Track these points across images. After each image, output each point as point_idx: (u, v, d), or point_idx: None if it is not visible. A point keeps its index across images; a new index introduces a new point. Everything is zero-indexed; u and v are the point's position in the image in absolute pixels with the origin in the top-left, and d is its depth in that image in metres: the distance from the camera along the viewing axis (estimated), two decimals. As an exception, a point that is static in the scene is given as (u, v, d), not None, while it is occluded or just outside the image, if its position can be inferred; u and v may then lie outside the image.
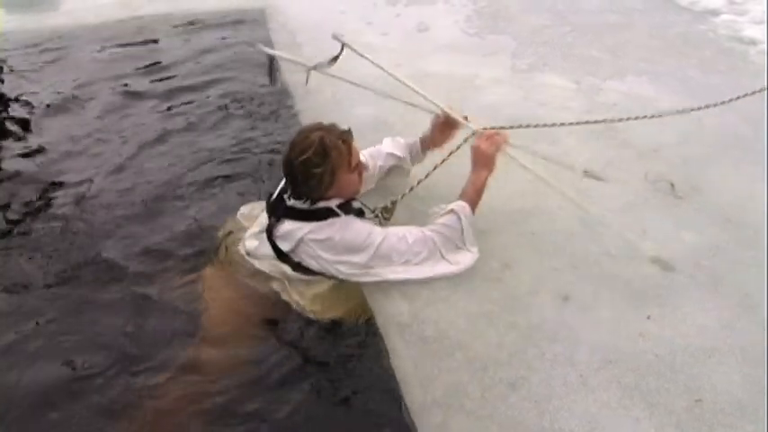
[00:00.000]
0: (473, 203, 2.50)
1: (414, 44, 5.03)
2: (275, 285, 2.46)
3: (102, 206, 3.24)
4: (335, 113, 3.59)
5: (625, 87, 4.14)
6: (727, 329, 2.21)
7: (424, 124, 2.86)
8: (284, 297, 2.43)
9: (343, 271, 2.37)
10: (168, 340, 2.33)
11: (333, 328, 2.37)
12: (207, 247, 2.83)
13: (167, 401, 2.11)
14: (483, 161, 2.53)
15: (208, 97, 4.43)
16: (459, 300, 2.36)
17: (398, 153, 2.88)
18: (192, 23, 5.86)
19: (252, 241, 2.55)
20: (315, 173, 2.28)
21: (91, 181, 3.47)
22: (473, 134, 2.65)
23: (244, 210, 2.86)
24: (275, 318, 2.43)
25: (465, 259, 2.46)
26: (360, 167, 2.49)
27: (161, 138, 3.90)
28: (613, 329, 2.22)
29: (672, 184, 3.00)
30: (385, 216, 2.60)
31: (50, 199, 3.31)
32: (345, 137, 2.39)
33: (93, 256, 2.84)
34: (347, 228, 2.36)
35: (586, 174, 2.46)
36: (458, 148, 2.68)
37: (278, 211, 2.44)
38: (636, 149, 3.32)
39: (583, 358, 2.10)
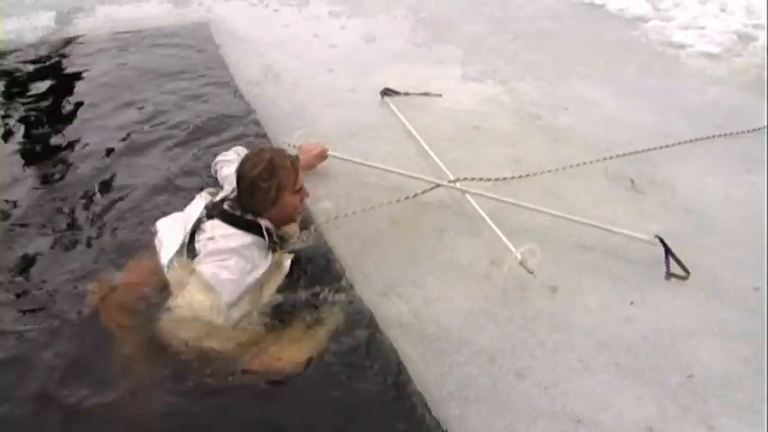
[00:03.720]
0: None
1: (363, 55, 5.12)
2: None
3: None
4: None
5: (572, 91, 4.37)
6: (703, 309, 2.41)
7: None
8: None
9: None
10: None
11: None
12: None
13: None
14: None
15: (164, 116, 4.28)
16: (454, 297, 2.47)
17: None
18: (137, 40, 5.72)
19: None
20: (262, 187, 2.43)
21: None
22: (433, 188, 3.04)
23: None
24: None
25: None
26: (302, 193, 2.63)
27: (117, 155, 3.76)
28: (603, 316, 2.38)
29: (632, 180, 3.21)
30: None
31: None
32: (293, 160, 2.57)
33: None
34: (240, 252, 2.38)
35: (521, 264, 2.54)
36: (398, 200, 2.97)
37: (212, 212, 2.50)
38: (593, 149, 3.50)
39: (580, 344, 2.25)
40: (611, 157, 3.39)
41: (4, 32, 5.70)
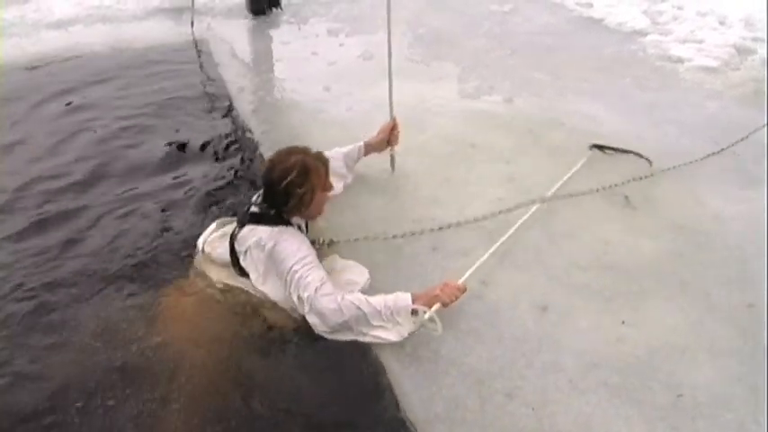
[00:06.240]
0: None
1: (361, 72, 5.15)
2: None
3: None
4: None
5: (569, 106, 4.36)
6: (695, 328, 2.39)
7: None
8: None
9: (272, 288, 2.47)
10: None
11: (323, 350, 2.39)
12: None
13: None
14: (434, 298, 2.35)
15: (157, 132, 4.35)
16: (444, 318, 2.45)
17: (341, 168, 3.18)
18: (136, 56, 5.80)
19: (217, 247, 2.66)
20: (297, 193, 2.43)
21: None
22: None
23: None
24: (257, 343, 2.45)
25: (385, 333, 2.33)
26: (330, 187, 2.66)
27: (127, 169, 3.86)
28: (593, 336, 2.36)
29: (626, 197, 3.19)
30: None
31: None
32: (323, 159, 2.58)
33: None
34: (288, 237, 2.45)
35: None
36: (433, 230, 2.95)
37: (243, 219, 2.55)
38: (586, 166, 3.49)
39: (569, 364, 2.23)
40: (605, 174, 3.38)
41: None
